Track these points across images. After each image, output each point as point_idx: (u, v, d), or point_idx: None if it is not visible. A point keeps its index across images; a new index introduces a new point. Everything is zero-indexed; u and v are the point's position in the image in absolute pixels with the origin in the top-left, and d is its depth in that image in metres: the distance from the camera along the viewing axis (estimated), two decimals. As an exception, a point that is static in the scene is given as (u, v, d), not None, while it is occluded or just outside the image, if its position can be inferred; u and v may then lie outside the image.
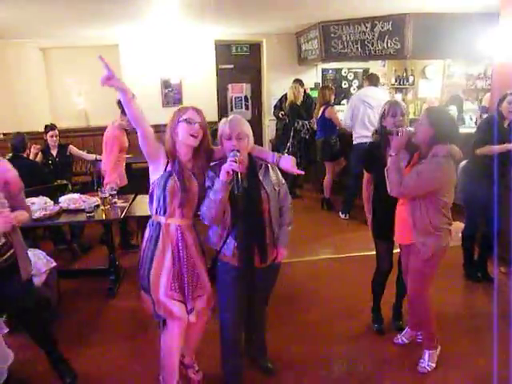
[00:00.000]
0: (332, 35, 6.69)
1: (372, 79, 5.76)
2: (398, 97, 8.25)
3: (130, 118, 2.14)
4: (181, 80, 7.82)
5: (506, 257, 3.95)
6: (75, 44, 7.46)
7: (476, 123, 6.57)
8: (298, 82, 6.81)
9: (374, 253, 3.16)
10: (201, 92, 7.62)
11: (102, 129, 7.57)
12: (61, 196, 4.06)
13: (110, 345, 3.18)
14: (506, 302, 3.46)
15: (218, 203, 2.17)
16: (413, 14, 5.98)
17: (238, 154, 2.17)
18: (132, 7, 5.20)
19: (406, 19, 6.02)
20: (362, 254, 4.39)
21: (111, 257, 4.03)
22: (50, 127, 5.31)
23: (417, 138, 2.62)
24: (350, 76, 8.47)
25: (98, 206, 3.91)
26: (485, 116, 5.31)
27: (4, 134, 7.12)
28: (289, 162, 2.39)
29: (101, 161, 5.52)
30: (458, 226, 4.08)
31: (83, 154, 5.73)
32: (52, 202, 3.84)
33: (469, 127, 6.56)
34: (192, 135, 2.22)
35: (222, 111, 8.10)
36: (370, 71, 8.19)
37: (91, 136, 7.63)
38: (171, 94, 7.85)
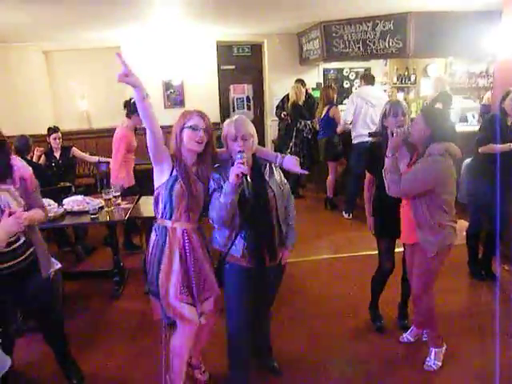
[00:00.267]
0: (333, 35, 6.69)
1: (368, 79, 5.85)
2: (400, 96, 8.24)
3: (142, 117, 2.13)
4: (183, 81, 7.83)
5: (510, 255, 3.95)
6: (77, 46, 7.48)
7: (478, 121, 6.56)
8: (300, 81, 6.82)
9: (377, 252, 3.15)
10: (203, 93, 7.63)
11: (105, 131, 7.69)
12: (64, 198, 4.07)
13: (115, 346, 3.20)
14: (509, 300, 3.46)
15: (228, 206, 2.17)
16: (414, 13, 5.97)
17: (244, 155, 2.18)
18: (133, 9, 5.21)
19: (408, 18, 6.01)
20: (365, 253, 4.38)
21: (115, 258, 4.04)
22: (52, 130, 5.33)
23: (413, 137, 2.63)
24: (352, 76, 8.47)
25: (101, 207, 3.91)
26: (486, 114, 5.30)
27: (7, 137, 7.13)
28: (292, 162, 2.40)
29: (104, 163, 5.56)
30: (462, 225, 4.08)
31: (86, 156, 5.74)
32: (56, 204, 3.85)
33: (471, 125, 6.56)
34: (197, 142, 2.23)
35: (224, 112, 8.10)
36: (372, 71, 8.23)
37: (94, 138, 7.66)
38: (173, 96, 7.86)
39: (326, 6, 5.69)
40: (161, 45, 7.50)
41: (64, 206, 3.89)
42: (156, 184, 2.31)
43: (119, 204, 4.02)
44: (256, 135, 2.35)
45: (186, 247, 2.31)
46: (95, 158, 5.73)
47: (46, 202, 3.78)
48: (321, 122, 6.21)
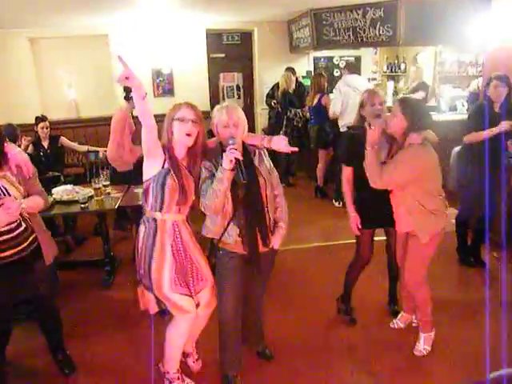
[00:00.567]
0: (324, 22, 6.65)
1: (352, 68, 6.00)
2: (390, 84, 8.25)
3: (139, 114, 2.09)
4: (172, 70, 7.75)
5: (499, 242, 4.00)
6: (64, 34, 7.34)
7: (467, 110, 6.59)
8: (290, 70, 6.80)
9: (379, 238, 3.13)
10: (192, 82, 7.57)
11: (94, 120, 7.61)
12: (53, 188, 4.03)
13: (106, 335, 3.20)
14: (497, 286, 3.51)
15: (221, 192, 2.17)
16: (404, 0, 5.95)
17: (236, 140, 2.18)
18: (122, -4, 5.14)
19: (398, 5, 5.99)
20: (355, 241, 4.40)
21: (106, 248, 4.02)
22: (40, 119, 5.26)
23: (391, 129, 2.63)
24: (342, 64, 8.41)
25: (91, 196, 3.88)
26: (474, 102, 5.35)
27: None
28: (281, 142, 2.39)
29: (93, 152, 5.51)
30: (452, 212, 4.11)
31: (75, 145, 5.69)
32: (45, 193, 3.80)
33: (460, 114, 6.60)
34: (187, 134, 2.21)
35: (214, 101, 8.03)
36: (362, 59, 8.24)
37: (82, 127, 7.58)
38: (162, 84, 7.79)
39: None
40: (149, 33, 7.40)
41: (53, 196, 3.86)
42: (146, 176, 2.27)
43: (109, 193, 4.00)
44: (246, 122, 2.34)
45: (177, 239, 2.31)
46: (84, 148, 5.68)
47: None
48: (312, 110, 6.20)
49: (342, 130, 5.67)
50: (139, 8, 5.93)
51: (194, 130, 2.22)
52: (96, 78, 7.59)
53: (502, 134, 3.53)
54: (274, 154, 2.54)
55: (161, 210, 2.26)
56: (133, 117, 4.58)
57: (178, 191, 2.22)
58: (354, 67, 6.05)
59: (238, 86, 8.42)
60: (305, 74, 7.98)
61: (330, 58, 8.37)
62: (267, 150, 2.47)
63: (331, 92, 6.28)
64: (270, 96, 7.14)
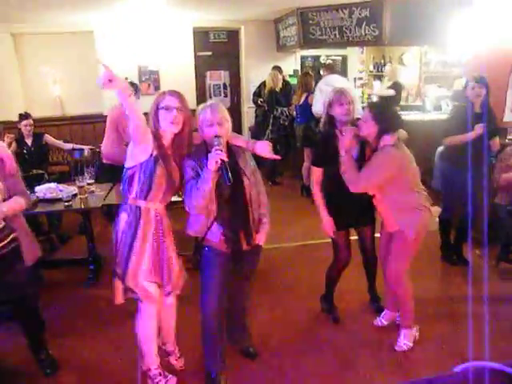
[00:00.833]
0: (310, 22, 6.67)
1: (331, 68, 6.06)
2: (377, 84, 8.31)
3: (129, 113, 2.06)
4: (159, 67, 7.71)
5: (481, 240, 4.05)
6: (48, 30, 7.26)
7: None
8: (277, 68, 6.81)
9: (354, 238, 3.16)
10: (179, 79, 7.51)
11: (79, 118, 7.54)
12: (37, 186, 3.99)
13: (90, 334, 3.18)
14: (480, 284, 3.56)
15: (206, 192, 2.17)
16: (390, 0, 6.00)
17: (221, 140, 2.18)
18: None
19: (384, 5, 6.03)
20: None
21: (90, 246, 3.99)
22: (24, 116, 5.19)
23: (363, 133, 2.68)
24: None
25: (75, 195, 3.85)
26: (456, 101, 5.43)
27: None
28: (265, 147, 2.40)
29: (78, 150, 5.46)
30: (436, 211, 4.16)
31: (60, 143, 5.63)
32: (28, 192, 3.76)
33: (444, 113, 6.66)
34: (171, 122, 2.20)
35: (201, 99, 8.00)
36: (349, 58, 8.31)
37: (67, 125, 7.51)
38: (149, 82, 7.74)
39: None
40: (136, 30, 7.34)
41: (36, 194, 3.82)
42: (131, 163, 2.23)
43: (93, 191, 3.97)
44: (230, 121, 2.34)
45: (159, 228, 2.32)
46: (69, 145, 5.62)
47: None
48: (298, 108, 6.23)
49: None
50: (125, 5, 5.89)
51: (180, 117, 2.21)
52: (81, 75, 7.51)
53: (484, 133, 3.57)
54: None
55: (146, 198, 2.25)
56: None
57: (165, 179, 2.22)
58: (334, 67, 6.17)
59: (224, 85, 8.41)
60: (292, 73, 8.00)
61: (317, 57, 8.40)
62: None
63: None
64: (257, 94, 7.15)
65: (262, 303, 3.39)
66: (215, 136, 2.19)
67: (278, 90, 6.61)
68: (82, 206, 3.77)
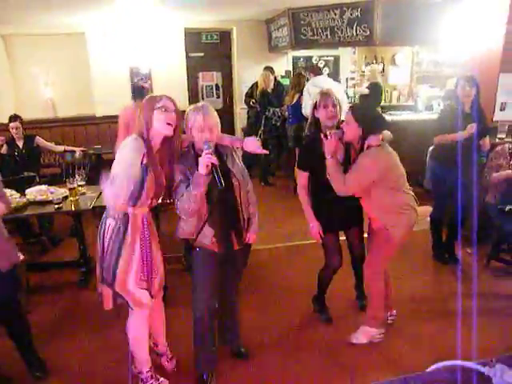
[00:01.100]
0: (301, 22, 6.68)
1: (316, 70, 6.14)
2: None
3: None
4: (150, 69, 7.70)
5: (471, 238, 4.07)
6: (40, 32, 7.23)
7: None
8: (269, 69, 6.82)
9: (343, 238, 3.16)
10: (171, 81, 7.52)
11: (71, 120, 7.51)
12: (28, 188, 3.97)
13: (81, 336, 3.16)
14: (470, 282, 3.59)
15: (197, 197, 2.18)
16: (381, 1, 6.02)
17: (211, 144, 2.19)
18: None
19: (375, 5, 6.05)
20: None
21: (81, 248, 3.98)
22: (13, 118, 5.16)
23: (347, 136, 2.69)
24: (321, 64, 8.47)
25: (66, 197, 3.84)
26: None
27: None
28: (253, 144, 2.41)
29: (70, 152, 5.44)
30: (427, 210, 4.18)
31: (51, 145, 5.60)
32: (18, 194, 3.75)
33: (436, 113, 6.69)
34: (168, 123, 2.18)
35: (193, 100, 8.02)
36: (341, 59, 8.33)
37: (59, 127, 7.48)
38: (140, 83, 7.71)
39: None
40: (127, 31, 7.32)
41: (27, 196, 3.80)
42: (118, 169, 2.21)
43: (84, 193, 3.95)
44: (219, 123, 2.34)
45: (146, 232, 2.31)
46: (61, 148, 5.60)
47: (8, 192, 3.69)
48: (290, 108, 6.24)
49: None
50: (117, 6, 5.87)
51: (175, 120, 2.20)
52: (73, 76, 7.50)
53: (473, 133, 3.59)
54: (252, 154, 2.56)
55: (134, 205, 2.24)
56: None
57: (153, 185, 2.21)
58: (319, 69, 6.29)
59: (217, 86, 8.41)
60: (283, 74, 8.00)
61: (309, 58, 8.41)
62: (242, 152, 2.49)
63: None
64: (249, 95, 7.15)
65: (253, 303, 3.39)
66: (206, 141, 2.19)
67: (269, 90, 6.62)
68: (73, 209, 3.75)
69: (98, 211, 4.19)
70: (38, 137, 5.39)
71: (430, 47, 7.74)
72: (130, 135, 2.23)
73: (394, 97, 8.45)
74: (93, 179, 4.50)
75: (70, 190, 3.81)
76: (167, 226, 2.49)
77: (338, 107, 2.83)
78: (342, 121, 2.77)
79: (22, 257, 3.51)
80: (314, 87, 5.61)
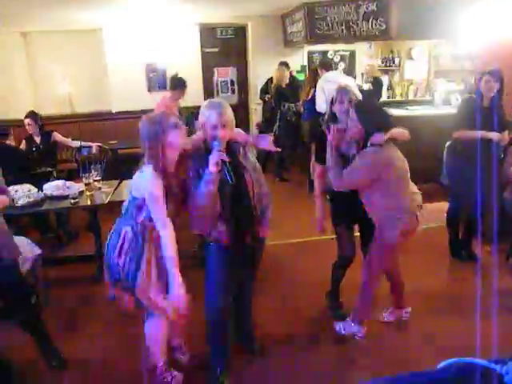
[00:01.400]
0: (317, 17, 6.62)
1: (327, 65, 6.06)
2: (385, 78, 8.23)
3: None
4: (166, 64, 7.72)
5: (490, 235, 4.00)
6: (58, 29, 7.31)
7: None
8: (284, 64, 6.77)
9: (358, 234, 3.14)
10: (186, 76, 7.38)
11: (88, 115, 7.58)
12: (45, 183, 4.02)
13: (98, 330, 3.20)
14: (488, 279, 3.52)
15: (210, 194, 2.18)
16: (397, -6, 5.95)
17: (221, 142, 2.18)
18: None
19: (391, -1, 5.98)
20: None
21: (98, 243, 4.01)
22: (27, 115, 5.21)
23: (352, 132, 2.66)
24: (337, 58, 8.39)
25: (82, 192, 3.88)
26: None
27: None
28: (266, 141, 2.40)
29: (86, 147, 5.49)
30: (444, 206, 4.13)
31: (68, 140, 5.65)
32: (36, 190, 3.80)
33: (454, 108, 6.59)
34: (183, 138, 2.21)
35: (208, 95, 8.02)
36: (357, 53, 8.23)
37: (77, 123, 7.54)
38: (156, 79, 7.76)
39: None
40: (143, 27, 7.38)
41: (44, 191, 3.85)
42: (137, 194, 2.24)
43: (100, 188, 3.99)
44: (234, 120, 2.33)
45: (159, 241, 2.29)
46: (77, 143, 5.64)
47: (26, 187, 3.75)
48: (306, 104, 6.19)
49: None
50: (133, 3, 5.90)
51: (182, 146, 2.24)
52: (90, 72, 7.57)
53: (494, 127, 3.53)
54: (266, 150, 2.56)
55: (151, 220, 2.24)
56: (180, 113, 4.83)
57: (170, 204, 2.23)
58: (329, 64, 6.16)
59: (232, 81, 8.39)
60: (299, 69, 7.96)
61: (325, 53, 8.34)
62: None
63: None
64: (264, 90, 7.13)
65: (267, 299, 3.38)
66: (214, 140, 2.20)
67: (284, 85, 6.58)
68: (89, 203, 3.79)
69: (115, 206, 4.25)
70: (55, 132, 5.43)
71: (449, 40, 7.61)
72: None
73: (411, 91, 8.34)
74: (109, 174, 4.54)
75: (86, 185, 3.85)
76: (177, 220, 2.48)
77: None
78: None
79: (39, 251, 3.58)
80: (326, 82, 5.57)
